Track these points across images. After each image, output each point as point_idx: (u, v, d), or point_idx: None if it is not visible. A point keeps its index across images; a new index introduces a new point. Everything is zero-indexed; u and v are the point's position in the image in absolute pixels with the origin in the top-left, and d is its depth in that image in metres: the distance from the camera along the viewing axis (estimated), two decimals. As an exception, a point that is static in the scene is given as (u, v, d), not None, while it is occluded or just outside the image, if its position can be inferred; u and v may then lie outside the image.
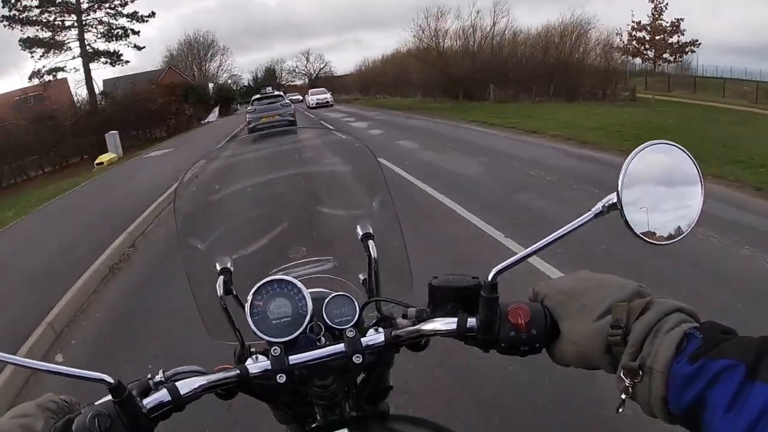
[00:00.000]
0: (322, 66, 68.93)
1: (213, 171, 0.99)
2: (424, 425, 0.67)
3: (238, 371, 0.64)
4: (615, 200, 0.54)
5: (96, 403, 0.59)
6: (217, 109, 35.48)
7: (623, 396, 0.50)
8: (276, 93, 18.32)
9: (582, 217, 0.56)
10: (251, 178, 1.00)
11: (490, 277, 0.59)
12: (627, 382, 0.49)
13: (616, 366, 0.52)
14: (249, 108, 16.79)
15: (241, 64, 74.72)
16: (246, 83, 59.94)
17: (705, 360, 0.45)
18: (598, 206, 0.56)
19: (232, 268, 0.80)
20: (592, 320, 0.55)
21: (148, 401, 0.60)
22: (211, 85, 42.76)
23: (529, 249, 0.58)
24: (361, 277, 0.84)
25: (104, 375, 0.56)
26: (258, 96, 17.72)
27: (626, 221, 0.54)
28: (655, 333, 0.49)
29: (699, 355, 0.45)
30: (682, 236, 0.57)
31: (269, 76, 61.90)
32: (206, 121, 31.88)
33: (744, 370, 0.42)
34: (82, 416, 0.56)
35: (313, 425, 0.73)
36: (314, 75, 67.24)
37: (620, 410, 0.52)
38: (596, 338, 0.54)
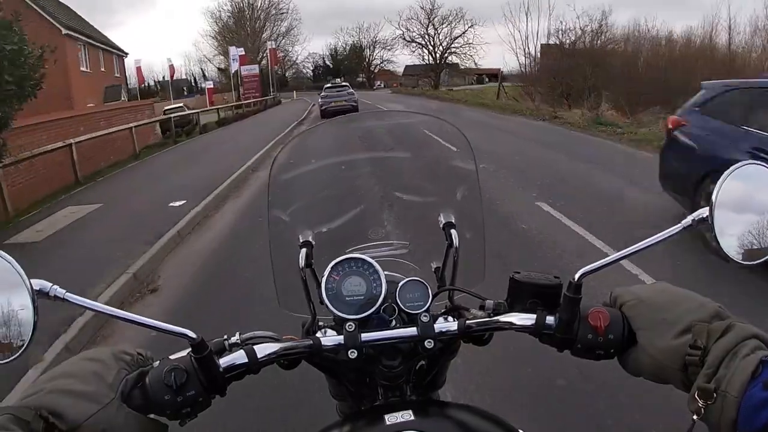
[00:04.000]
0: (463, 32, 35.69)
1: (305, 148, 1.03)
2: (481, 415, 0.67)
3: (311, 342, 0.66)
4: (706, 215, 0.54)
5: (171, 357, 0.60)
6: None
7: (695, 417, 0.51)
8: (343, 83, 23.37)
9: (671, 229, 0.57)
10: (340, 156, 1.02)
11: (576, 278, 0.60)
12: (700, 403, 0.50)
13: (689, 385, 0.52)
14: (322, 94, 21.95)
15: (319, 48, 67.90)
16: (323, 62, 54.82)
17: None
18: (688, 219, 0.56)
19: (313, 242, 0.82)
20: (672, 336, 0.55)
21: (225, 361, 0.61)
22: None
23: (617, 254, 0.59)
24: (434, 265, 0.85)
25: (187, 331, 0.57)
26: (329, 85, 23.43)
27: (715, 236, 0.54)
28: (732, 357, 0.50)
29: None
30: (761, 260, 0.57)
31: (354, 55, 52.20)
32: None
33: None
34: (157, 369, 0.57)
35: (375, 404, 0.74)
36: (443, 50, 37.07)
37: None
38: (674, 355, 0.54)
